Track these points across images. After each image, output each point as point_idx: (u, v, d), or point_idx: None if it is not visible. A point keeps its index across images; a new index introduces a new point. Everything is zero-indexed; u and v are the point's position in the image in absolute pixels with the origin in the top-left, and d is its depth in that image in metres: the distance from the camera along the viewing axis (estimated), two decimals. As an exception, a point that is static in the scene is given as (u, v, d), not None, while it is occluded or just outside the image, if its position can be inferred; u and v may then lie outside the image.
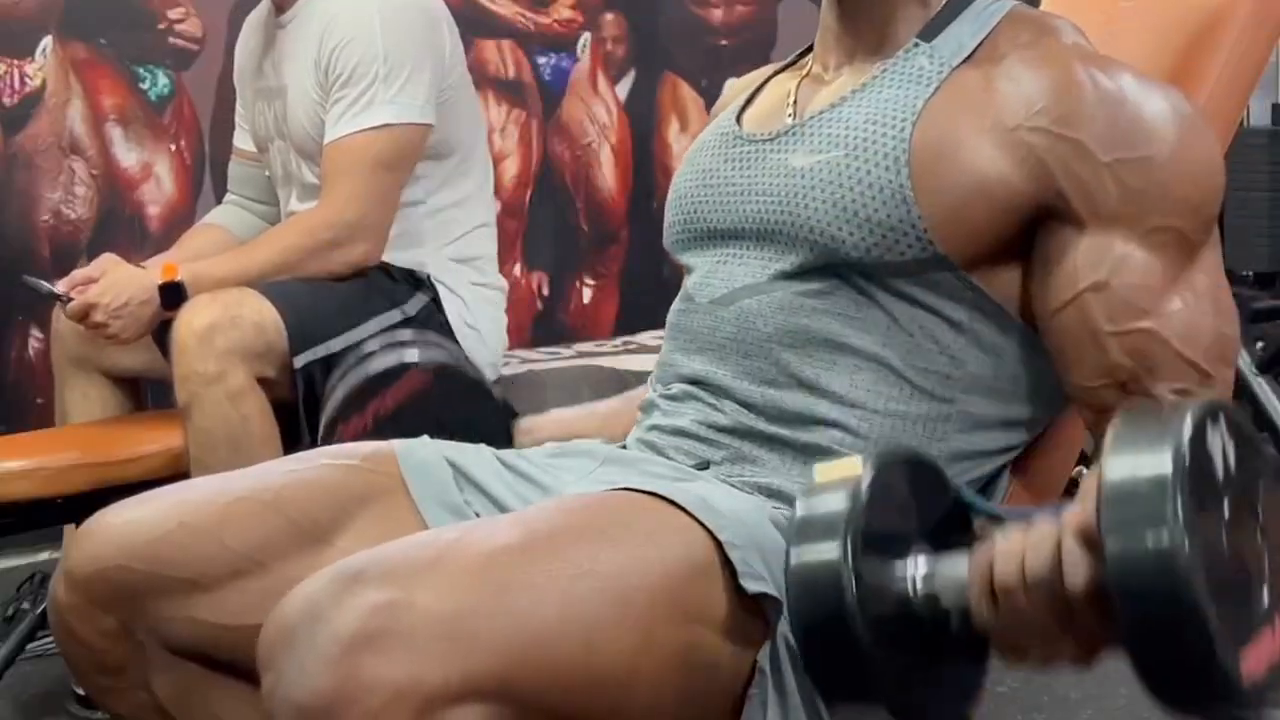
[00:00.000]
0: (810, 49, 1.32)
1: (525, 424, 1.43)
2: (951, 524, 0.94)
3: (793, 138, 1.20)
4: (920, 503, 0.93)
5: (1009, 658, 0.89)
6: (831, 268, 1.14)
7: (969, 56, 1.17)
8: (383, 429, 1.36)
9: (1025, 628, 0.87)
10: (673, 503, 1.05)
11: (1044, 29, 1.18)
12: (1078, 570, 0.83)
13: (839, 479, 0.89)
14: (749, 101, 1.32)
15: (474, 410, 1.40)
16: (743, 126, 1.28)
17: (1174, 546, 0.76)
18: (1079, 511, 0.84)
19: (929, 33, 1.19)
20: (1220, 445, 0.81)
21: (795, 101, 1.25)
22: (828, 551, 0.86)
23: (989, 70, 1.15)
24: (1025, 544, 0.87)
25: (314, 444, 1.52)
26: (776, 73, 1.34)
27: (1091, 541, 0.82)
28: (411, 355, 1.41)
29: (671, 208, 1.30)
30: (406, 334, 1.50)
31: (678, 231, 1.28)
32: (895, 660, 0.87)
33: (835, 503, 0.88)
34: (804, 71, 1.29)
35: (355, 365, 1.42)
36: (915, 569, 0.90)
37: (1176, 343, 1.07)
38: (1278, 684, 0.80)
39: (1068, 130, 1.09)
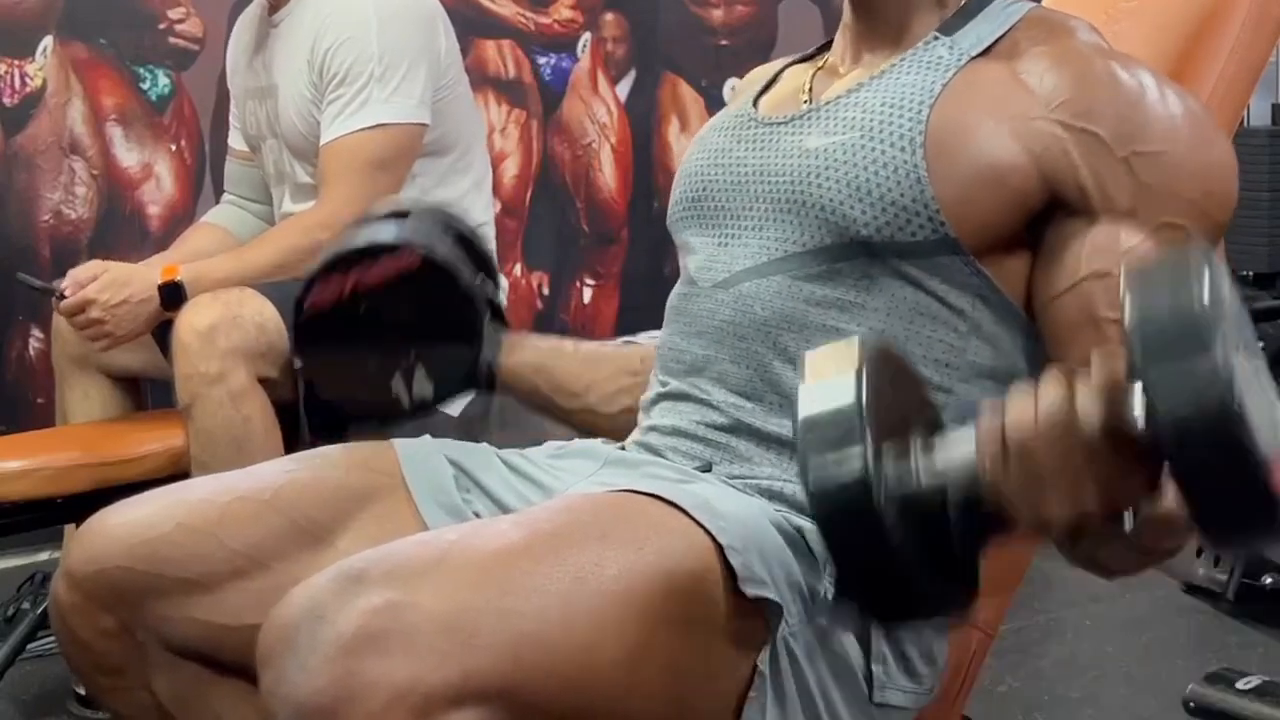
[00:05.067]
0: (828, 45, 1.32)
1: (511, 341, 1.38)
2: (928, 415, 0.93)
3: (808, 121, 1.21)
4: (906, 394, 0.91)
5: (1029, 515, 0.84)
6: (839, 248, 1.14)
7: (987, 50, 1.18)
8: (355, 300, 1.31)
9: (1043, 481, 0.83)
10: (674, 505, 1.05)
11: (1062, 28, 1.19)
12: (1093, 410, 0.81)
13: (835, 369, 0.86)
14: (766, 88, 1.32)
15: (454, 311, 1.34)
16: (758, 111, 1.28)
17: (1224, 379, 0.76)
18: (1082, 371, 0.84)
19: (948, 28, 1.20)
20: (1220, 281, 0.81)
21: (811, 89, 1.26)
22: (852, 459, 0.83)
23: (1008, 64, 1.16)
24: (1035, 400, 0.84)
25: (314, 444, 1.52)
26: (795, 63, 1.35)
27: (1110, 383, 0.81)
28: (411, 234, 1.34)
29: (680, 184, 1.30)
30: (407, 208, 1.39)
31: (684, 208, 1.28)
32: (924, 562, 0.85)
33: (843, 399, 0.84)
34: (820, 64, 1.29)
35: (359, 225, 1.36)
36: (917, 460, 0.87)
37: None
38: None
39: (1087, 123, 1.10)
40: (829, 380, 0.86)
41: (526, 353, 1.38)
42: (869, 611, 0.89)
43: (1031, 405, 0.84)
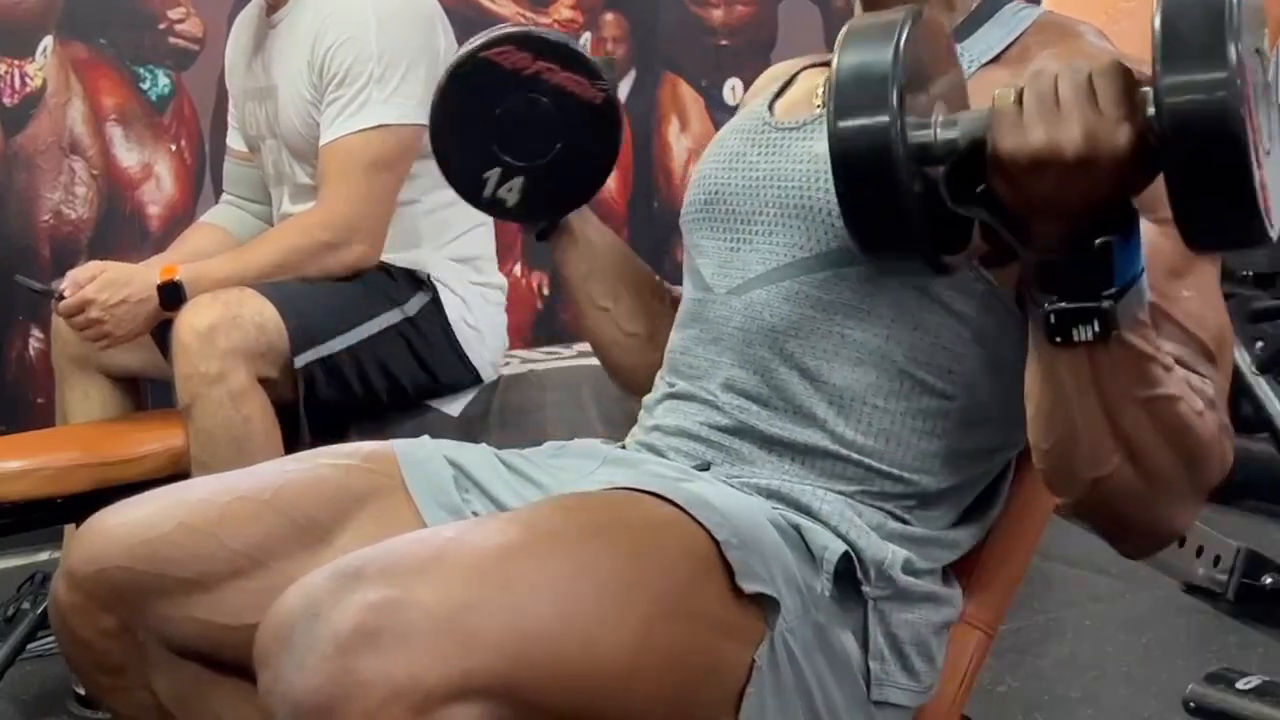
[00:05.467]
0: None
1: (581, 213, 1.39)
2: (958, 95, 0.98)
3: (819, 126, 1.21)
4: (940, 70, 0.96)
5: (1015, 144, 0.89)
6: (844, 253, 1.15)
7: (998, 57, 1.18)
8: (530, 81, 1.31)
9: (1042, 101, 0.88)
10: (672, 502, 1.05)
11: (1072, 31, 1.19)
12: (1107, 60, 0.88)
13: (880, 28, 0.92)
14: (782, 91, 1.33)
15: (589, 158, 1.35)
16: (774, 114, 1.29)
17: (1232, 82, 0.80)
18: None
19: (959, 35, 1.21)
20: None
21: (823, 94, 1.26)
22: (879, 108, 0.89)
23: (1018, 69, 1.16)
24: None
25: (314, 444, 1.52)
26: (810, 66, 1.35)
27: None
28: (608, 74, 1.33)
29: (694, 186, 1.31)
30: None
31: (697, 209, 1.29)
32: (922, 202, 0.91)
33: (880, 55, 0.90)
34: None
35: (559, 36, 1.35)
36: (936, 120, 0.92)
37: (1182, 318, 1.06)
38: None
39: None
40: (871, 36, 0.92)
41: (594, 228, 1.40)
42: (863, 244, 0.95)
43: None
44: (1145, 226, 1.03)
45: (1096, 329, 0.92)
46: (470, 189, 1.35)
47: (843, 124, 0.91)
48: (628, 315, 1.40)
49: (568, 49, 1.31)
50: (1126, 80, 0.88)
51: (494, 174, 1.33)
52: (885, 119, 0.89)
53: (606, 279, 1.39)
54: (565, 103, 1.31)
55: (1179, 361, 1.02)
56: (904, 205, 0.90)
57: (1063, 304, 0.92)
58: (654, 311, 1.40)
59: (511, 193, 1.34)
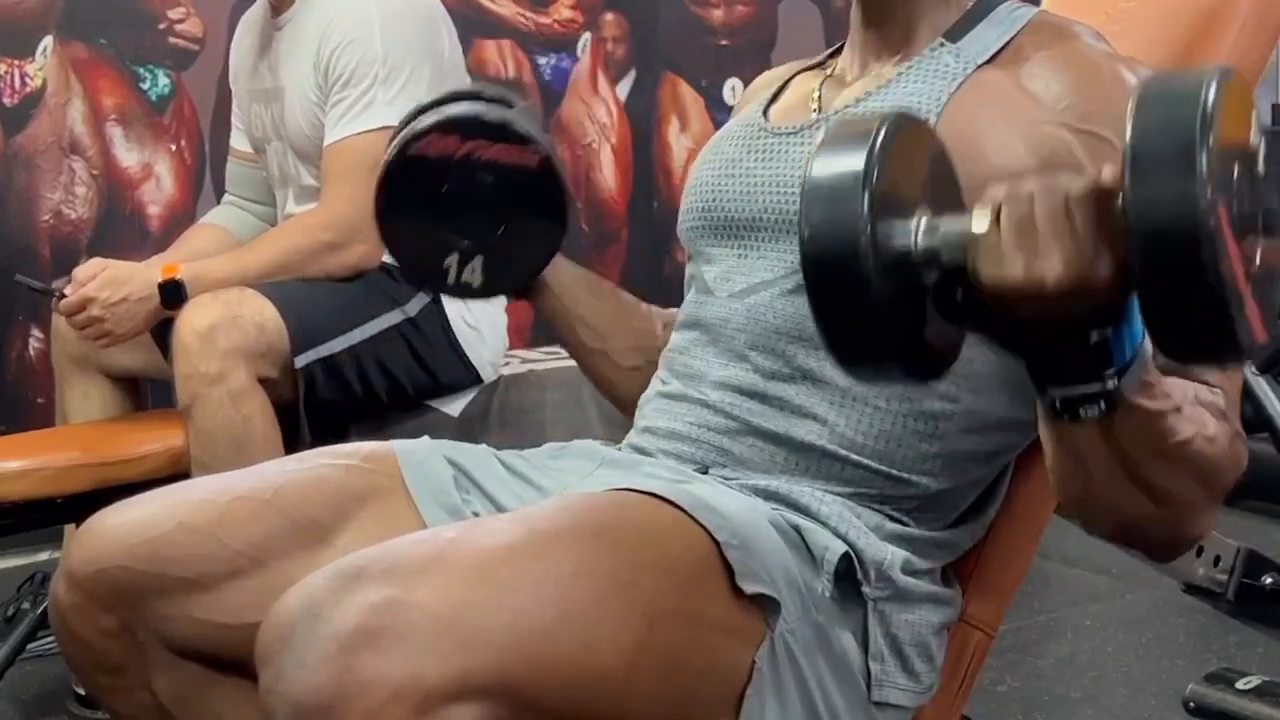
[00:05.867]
0: (836, 51, 1.32)
1: (559, 259, 1.37)
2: (949, 196, 0.95)
3: (816, 131, 1.21)
4: (928, 172, 0.94)
5: (995, 275, 0.86)
6: None
7: (993, 57, 1.18)
8: (463, 166, 1.30)
9: (1020, 232, 0.85)
10: (672, 503, 1.05)
11: (1067, 33, 1.19)
12: (1083, 183, 0.85)
13: (854, 135, 0.90)
14: (775, 96, 1.32)
15: (541, 220, 1.33)
16: (769, 120, 1.28)
17: (1199, 208, 0.78)
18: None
19: (954, 34, 1.21)
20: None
21: (819, 97, 1.26)
22: (847, 219, 0.87)
23: (1013, 70, 1.16)
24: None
25: (314, 444, 1.52)
26: (803, 70, 1.35)
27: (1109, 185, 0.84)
28: (537, 134, 1.32)
29: (690, 194, 1.30)
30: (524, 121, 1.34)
31: (696, 217, 1.29)
32: (900, 312, 0.88)
33: (851, 165, 0.88)
34: (828, 72, 1.29)
35: (473, 99, 1.35)
36: (919, 227, 0.89)
37: None
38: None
39: (1092, 126, 1.10)
40: (844, 144, 0.89)
41: (569, 275, 1.38)
42: (842, 360, 0.92)
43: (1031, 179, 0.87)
44: None
45: (1103, 407, 0.90)
46: (434, 279, 1.35)
47: (812, 238, 0.88)
48: (622, 351, 1.38)
49: (491, 124, 1.30)
50: (1105, 203, 0.84)
51: (453, 260, 1.32)
52: (853, 232, 0.86)
53: (594, 321, 1.38)
54: (504, 175, 1.30)
55: (1186, 375, 1.01)
56: (878, 319, 0.88)
57: (1065, 390, 0.90)
58: (647, 338, 1.38)
59: (475, 273, 1.33)
